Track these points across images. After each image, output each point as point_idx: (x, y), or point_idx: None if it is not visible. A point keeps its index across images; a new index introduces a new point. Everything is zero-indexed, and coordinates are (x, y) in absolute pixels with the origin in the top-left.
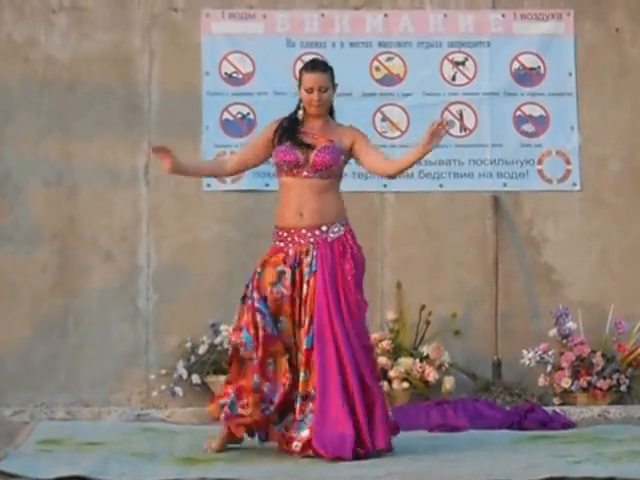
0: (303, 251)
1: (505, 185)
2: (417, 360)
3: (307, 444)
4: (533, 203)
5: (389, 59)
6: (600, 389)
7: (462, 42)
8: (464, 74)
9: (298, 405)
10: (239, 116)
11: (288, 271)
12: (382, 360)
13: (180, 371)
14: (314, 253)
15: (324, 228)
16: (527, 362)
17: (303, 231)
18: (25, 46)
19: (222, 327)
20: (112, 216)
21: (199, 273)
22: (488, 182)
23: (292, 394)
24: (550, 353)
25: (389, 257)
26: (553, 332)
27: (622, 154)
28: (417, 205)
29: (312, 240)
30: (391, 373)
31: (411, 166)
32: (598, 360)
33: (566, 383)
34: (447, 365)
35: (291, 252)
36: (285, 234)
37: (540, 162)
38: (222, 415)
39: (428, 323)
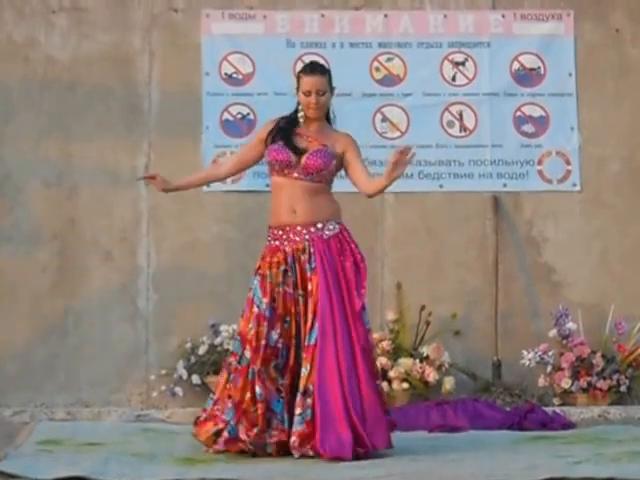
0: (300, 248)
1: (505, 185)
2: (417, 360)
3: (305, 440)
4: (533, 203)
5: (389, 59)
6: (600, 390)
7: (462, 42)
8: (464, 74)
9: (297, 400)
10: (239, 116)
11: (289, 270)
12: (382, 360)
13: (180, 371)
14: (311, 250)
15: (319, 225)
16: (527, 362)
17: (298, 228)
18: (25, 46)
19: (222, 327)
20: (112, 216)
21: (199, 273)
22: (488, 182)
23: (290, 395)
24: (550, 354)
25: (389, 257)
26: (553, 332)
27: (622, 155)
28: (417, 205)
29: (307, 237)
30: (391, 373)
31: (384, 190)
32: (598, 361)
33: (566, 384)
34: (447, 365)
35: (288, 249)
36: (280, 232)
37: (540, 162)
38: (221, 440)
39: (428, 323)
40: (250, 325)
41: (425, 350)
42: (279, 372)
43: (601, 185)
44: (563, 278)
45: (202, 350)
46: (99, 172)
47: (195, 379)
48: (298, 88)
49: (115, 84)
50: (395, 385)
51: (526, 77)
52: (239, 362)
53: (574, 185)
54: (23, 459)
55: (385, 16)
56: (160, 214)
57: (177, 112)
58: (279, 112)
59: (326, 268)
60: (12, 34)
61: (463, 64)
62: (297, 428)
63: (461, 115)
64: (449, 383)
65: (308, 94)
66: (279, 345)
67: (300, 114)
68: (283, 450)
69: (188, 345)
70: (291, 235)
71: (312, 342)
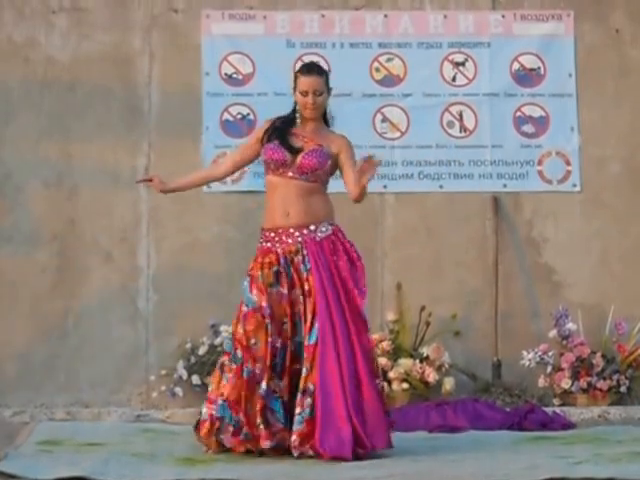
0: (292, 250)
1: (505, 186)
2: (417, 361)
3: (305, 439)
4: (533, 204)
5: (389, 60)
6: (600, 390)
7: (462, 43)
8: (464, 75)
9: (297, 399)
10: (239, 117)
11: (283, 271)
12: (382, 361)
13: (180, 372)
14: (304, 252)
15: (312, 227)
16: (527, 363)
17: (291, 230)
18: (25, 47)
19: (222, 328)
20: (112, 217)
21: (199, 273)
22: (488, 183)
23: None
24: (550, 354)
25: (389, 258)
26: (553, 333)
27: (622, 155)
28: (417, 206)
29: (300, 239)
30: (391, 374)
31: (361, 196)
32: (598, 361)
33: (566, 384)
34: (447, 366)
35: (279, 251)
36: (272, 234)
37: (540, 163)
38: (226, 437)
39: (428, 324)
40: (239, 325)
41: (425, 350)
42: (276, 373)
43: (601, 185)
44: (563, 278)
45: (202, 350)
46: (99, 172)
47: (195, 379)
48: (295, 88)
49: (115, 84)
50: (395, 385)
51: (526, 77)
52: (232, 361)
53: (574, 185)
54: (23, 459)
55: (385, 16)
56: (160, 214)
57: (177, 112)
58: (279, 112)
59: (320, 269)
60: (12, 34)
61: (463, 64)
62: (297, 427)
63: (461, 115)
64: (449, 383)
65: (305, 94)
66: (277, 345)
67: (297, 114)
68: (283, 450)
69: (188, 345)
70: (284, 237)
71: (312, 342)
